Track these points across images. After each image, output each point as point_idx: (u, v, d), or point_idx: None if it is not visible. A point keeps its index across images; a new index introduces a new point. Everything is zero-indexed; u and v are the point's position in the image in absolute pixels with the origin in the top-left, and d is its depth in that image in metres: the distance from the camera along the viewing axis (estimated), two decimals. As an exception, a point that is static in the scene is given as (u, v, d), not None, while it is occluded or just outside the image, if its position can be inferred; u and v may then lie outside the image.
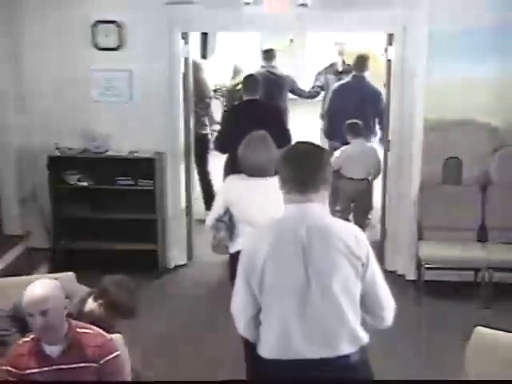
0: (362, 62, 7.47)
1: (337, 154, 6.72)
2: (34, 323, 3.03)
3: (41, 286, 3.10)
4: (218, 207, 4.25)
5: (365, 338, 2.85)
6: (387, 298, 2.87)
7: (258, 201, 4.06)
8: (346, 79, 7.66)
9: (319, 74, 8.47)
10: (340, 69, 8.30)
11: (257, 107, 6.28)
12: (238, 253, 3.45)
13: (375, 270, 2.83)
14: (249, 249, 2.88)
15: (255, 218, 3.92)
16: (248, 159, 4.18)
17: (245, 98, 6.51)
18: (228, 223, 4.21)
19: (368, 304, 2.83)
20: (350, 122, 6.78)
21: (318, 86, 8.33)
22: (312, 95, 8.46)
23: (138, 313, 3.66)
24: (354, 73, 7.51)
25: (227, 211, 4.20)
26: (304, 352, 2.75)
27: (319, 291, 2.72)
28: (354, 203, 6.96)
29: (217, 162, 7.05)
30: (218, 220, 4.22)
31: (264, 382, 2.99)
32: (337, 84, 7.72)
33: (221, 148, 6.42)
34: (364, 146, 6.85)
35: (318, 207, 2.82)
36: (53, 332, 3.06)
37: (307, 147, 2.93)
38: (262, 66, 8.04)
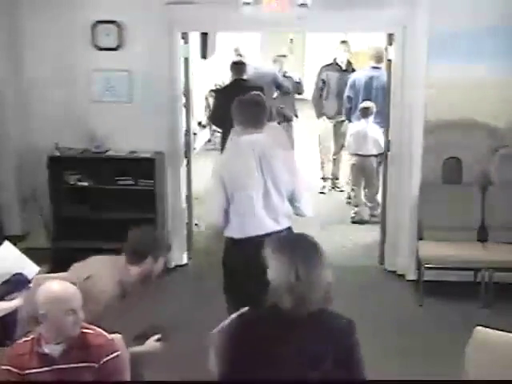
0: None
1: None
2: (64, 321, 3.02)
3: (62, 285, 3.11)
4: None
5: (292, 216, 4.32)
6: (301, 195, 4.31)
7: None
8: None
9: (321, 70, 8.55)
10: (344, 67, 8.34)
11: (243, 83, 7.41)
12: None
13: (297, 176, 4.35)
14: (224, 162, 4.31)
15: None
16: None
17: (232, 77, 7.71)
18: None
19: (290, 198, 4.26)
20: (362, 105, 7.77)
21: (323, 81, 8.44)
22: (299, 90, 8.85)
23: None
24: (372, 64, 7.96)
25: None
26: (268, 227, 4.13)
27: (272, 187, 4.15)
28: (364, 179, 7.89)
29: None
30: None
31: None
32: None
33: (214, 122, 8.09)
34: (368, 125, 7.73)
35: (264, 135, 4.23)
36: (69, 331, 3.06)
37: (255, 97, 4.49)
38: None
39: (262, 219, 4.15)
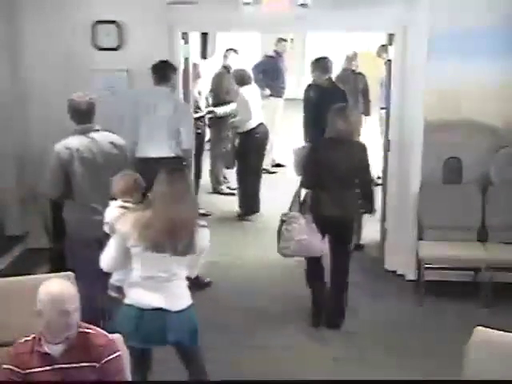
0: None
1: None
2: (56, 322, 3.03)
3: (62, 285, 3.10)
4: None
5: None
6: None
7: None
8: None
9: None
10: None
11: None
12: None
13: None
14: None
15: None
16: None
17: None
18: None
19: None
20: None
21: None
22: None
23: None
24: None
25: None
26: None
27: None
28: None
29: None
30: None
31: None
32: None
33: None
34: None
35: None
36: (62, 331, 3.05)
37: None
38: None
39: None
